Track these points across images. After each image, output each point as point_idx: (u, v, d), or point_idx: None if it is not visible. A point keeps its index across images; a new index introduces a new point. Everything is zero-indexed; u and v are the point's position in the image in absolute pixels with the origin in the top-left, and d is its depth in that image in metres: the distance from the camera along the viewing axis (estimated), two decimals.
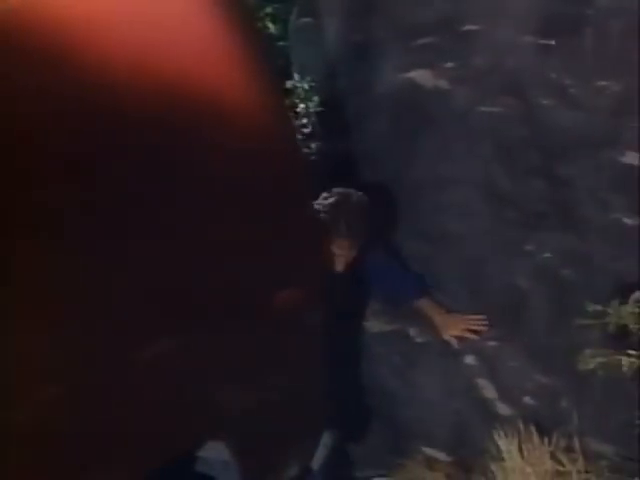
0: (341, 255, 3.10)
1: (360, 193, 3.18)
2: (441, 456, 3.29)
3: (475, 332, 3.23)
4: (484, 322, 3.22)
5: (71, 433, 1.96)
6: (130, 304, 2.10)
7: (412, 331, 3.43)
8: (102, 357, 2.02)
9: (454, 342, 3.28)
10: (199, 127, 2.38)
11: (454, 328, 3.26)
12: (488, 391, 3.22)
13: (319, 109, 4.06)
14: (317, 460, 3.09)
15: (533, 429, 2.97)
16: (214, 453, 2.57)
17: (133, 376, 2.11)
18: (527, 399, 3.12)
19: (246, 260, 2.57)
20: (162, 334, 2.21)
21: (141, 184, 2.15)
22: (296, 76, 4.18)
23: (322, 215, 3.06)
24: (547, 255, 3.11)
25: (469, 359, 3.28)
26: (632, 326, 2.40)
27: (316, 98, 4.08)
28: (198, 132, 2.37)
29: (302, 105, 4.11)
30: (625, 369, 2.40)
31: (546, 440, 2.94)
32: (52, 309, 1.90)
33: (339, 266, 3.11)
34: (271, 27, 4.82)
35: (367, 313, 3.47)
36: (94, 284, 2.00)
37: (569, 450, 2.92)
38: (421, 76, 3.42)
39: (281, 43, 4.61)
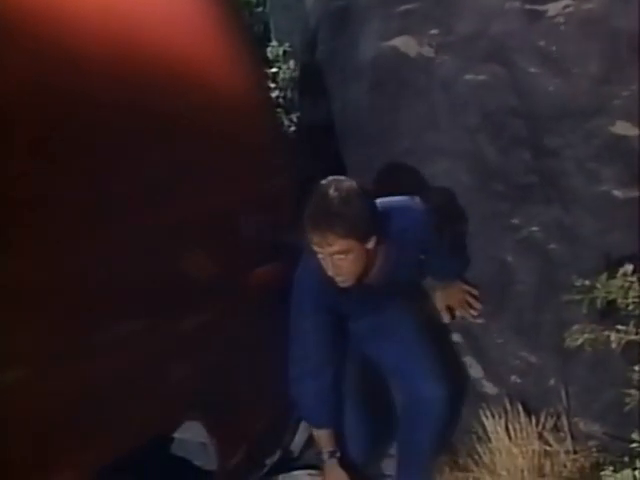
0: (327, 254, 2.49)
1: (350, 181, 2.54)
2: None
3: (471, 306, 3.14)
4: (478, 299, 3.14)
5: (37, 416, 1.98)
6: (99, 285, 2.13)
7: None
8: (72, 339, 2.05)
9: (445, 315, 3.18)
10: (175, 98, 2.46)
11: (453, 297, 3.16)
12: (474, 370, 3.22)
13: (296, 74, 4.05)
14: (298, 444, 3.09)
15: (520, 408, 2.97)
16: (191, 435, 2.63)
17: (104, 358, 2.14)
18: (514, 378, 3.10)
19: (218, 237, 2.59)
20: (133, 315, 2.26)
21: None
22: (274, 42, 4.18)
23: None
24: (534, 229, 3.08)
25: (455, 337, 3.27)
26: (621, 301, 2.36)
27: (292, 62, 4.10)
28: (173, 104, 2.45)
29: (278, 71, 4.12)
30: (614, 345, 2.37)
31: (533, 420, 2.93)
32: (19, 292, 1.92)
33: (333, 271, 2.53)
34: None
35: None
36: (62, 264, 2.03)
37: (557, 430, 2.91)
38: (404, 43, 3.36)
39: (259, 9, 4.58)
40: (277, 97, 4.14)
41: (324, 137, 3.73)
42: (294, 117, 4.09)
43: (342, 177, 2.56)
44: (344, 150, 3.66)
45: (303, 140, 3.91)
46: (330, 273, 2.54)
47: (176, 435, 2.69)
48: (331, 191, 2.47)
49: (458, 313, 3.20)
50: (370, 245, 2.56)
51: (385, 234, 2.63)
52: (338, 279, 2.57)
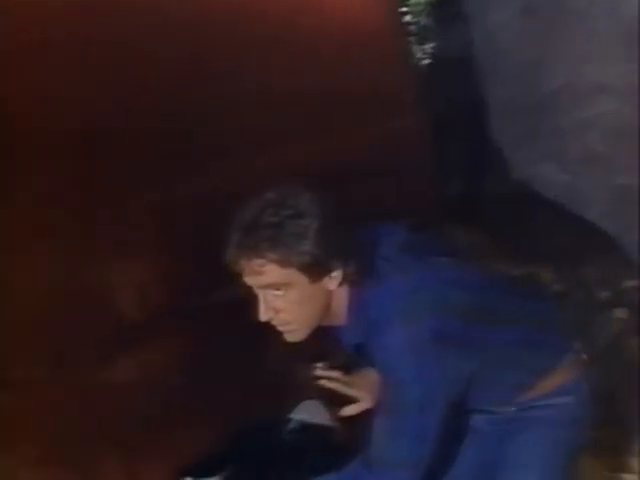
0: (256, 286, 1.79)
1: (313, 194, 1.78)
2: None
3: None
4: None
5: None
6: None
7: None
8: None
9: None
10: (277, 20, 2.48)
11: None
12: None
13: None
14: None
15: None
16: (309, 416, 2.54)
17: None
18: None
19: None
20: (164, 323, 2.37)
21: None
22: None
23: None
24: None
25: (619, 312, 3.09)
26: None
27: None
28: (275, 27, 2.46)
29: None
30: None
31: None
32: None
33: (266, 313, 1.80)
34: None
35: None
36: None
37: None
38: None
39: None
40: (409, 23, 4.01)
41: (462, 71, 3.60)
42: (428, 47, 3.99)
43: (302, 188, 1.81)
44: (485, 86, 3.51)
45: (437, 74, 3.78)
46: (262, 316, 1.82)
47: (294, 416, 2.59)
48: (272, 196, 1.78)
49: None
50: (331, 284, 1.82)
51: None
52: (279, 328, 1.87)
